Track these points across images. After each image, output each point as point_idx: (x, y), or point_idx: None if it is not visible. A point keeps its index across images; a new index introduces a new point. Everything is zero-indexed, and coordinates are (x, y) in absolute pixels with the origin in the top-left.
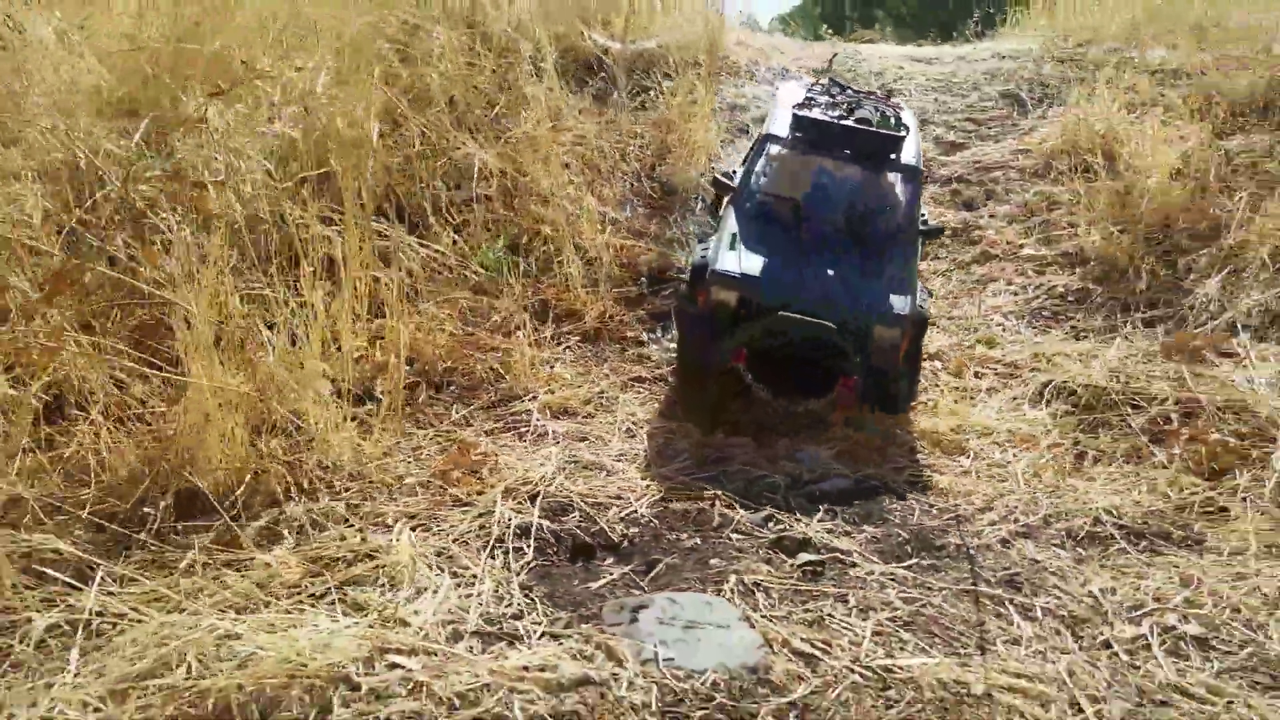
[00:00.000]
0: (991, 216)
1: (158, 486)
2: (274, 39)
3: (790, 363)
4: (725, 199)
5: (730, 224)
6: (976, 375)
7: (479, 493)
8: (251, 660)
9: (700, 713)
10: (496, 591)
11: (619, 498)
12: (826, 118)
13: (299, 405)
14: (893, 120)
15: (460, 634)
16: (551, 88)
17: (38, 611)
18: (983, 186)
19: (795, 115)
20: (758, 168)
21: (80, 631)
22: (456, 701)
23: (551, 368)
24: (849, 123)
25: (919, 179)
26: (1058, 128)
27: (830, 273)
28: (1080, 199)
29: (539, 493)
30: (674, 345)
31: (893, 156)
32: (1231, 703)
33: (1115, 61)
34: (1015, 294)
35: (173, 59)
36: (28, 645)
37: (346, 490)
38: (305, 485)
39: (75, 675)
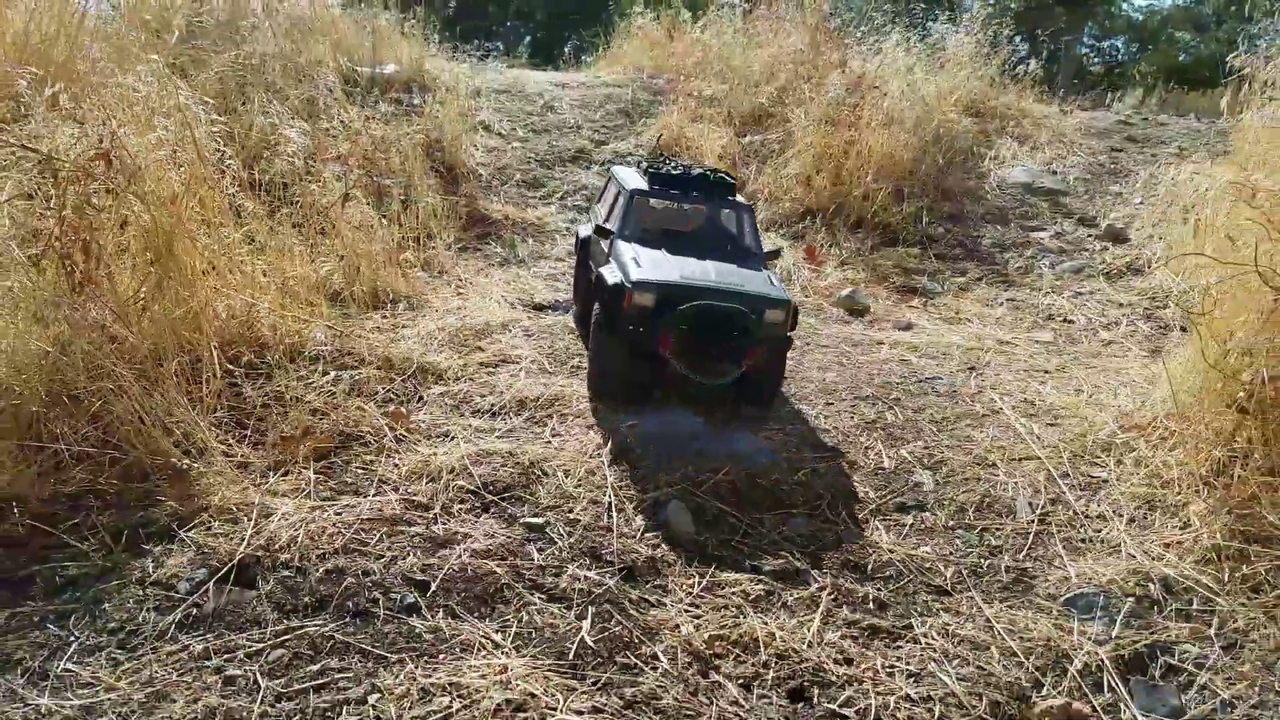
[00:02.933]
0: None
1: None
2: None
3: (701, 347)
4: (604, 241)
5: (625, 251)
6: None
7: (479, 295)
8: (476, 316)
9: None
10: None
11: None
12: (677, 173)
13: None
14: (722, 174)
15: (535, 315)
16: (345, 106)
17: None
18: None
19: (651, 174)
20: (629, 213)
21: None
22: (549, 322)
23: (458, 258)
24: (695, 173)
25: (752, 212)
26: (654, 131)
27: (720, 273)
28: None
29: (506, 293)
30: (507, 253)
31: (728, 196)
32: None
33: (679, 90)
34: None
35: None
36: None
37: (421, 297)
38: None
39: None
